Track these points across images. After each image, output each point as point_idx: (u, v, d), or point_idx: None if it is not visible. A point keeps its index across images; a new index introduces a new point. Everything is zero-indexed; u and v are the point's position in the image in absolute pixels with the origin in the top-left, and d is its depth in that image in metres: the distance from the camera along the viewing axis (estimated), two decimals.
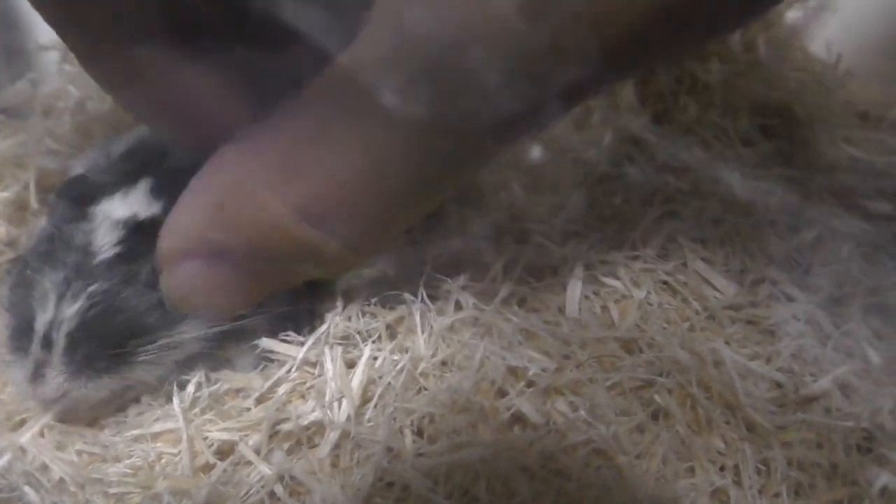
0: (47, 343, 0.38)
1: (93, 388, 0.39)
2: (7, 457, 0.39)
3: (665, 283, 0.44)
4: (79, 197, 0.42)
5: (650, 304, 0.42)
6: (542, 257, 0.45)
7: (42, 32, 0.59)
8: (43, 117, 0.53)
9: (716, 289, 0.44)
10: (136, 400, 0.42)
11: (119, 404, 0.42)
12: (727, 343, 0.41)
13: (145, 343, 0.39)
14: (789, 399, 0.40)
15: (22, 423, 0.42)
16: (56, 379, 0.38)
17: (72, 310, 0.38)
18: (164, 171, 0.43)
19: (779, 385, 0.40)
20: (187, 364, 0.41)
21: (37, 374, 0.38)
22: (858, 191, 0.53)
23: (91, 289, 0.39)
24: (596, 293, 0.43)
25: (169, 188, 0.41)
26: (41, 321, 0.39)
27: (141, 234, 0.40)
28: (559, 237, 0.47)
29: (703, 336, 0.41)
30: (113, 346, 0.39)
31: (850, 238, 0.48)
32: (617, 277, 0.44)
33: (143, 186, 0.42)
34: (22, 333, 0.39)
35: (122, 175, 0.43)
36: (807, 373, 0.41)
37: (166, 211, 0.40)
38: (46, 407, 0.41)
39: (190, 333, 0.40)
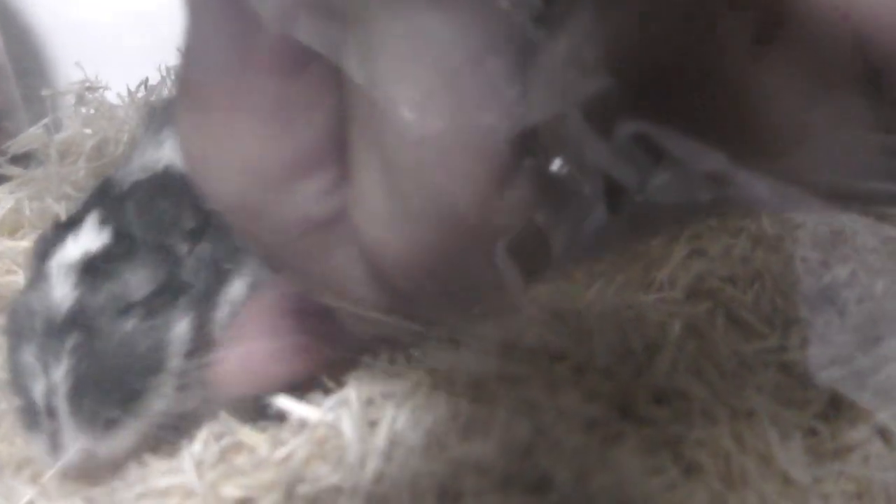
0: (52, 413, 0.37)
1: (115, 438, 0.38)
2: None
3: (694, 326, 0.43)
4: (40, 261, 0.41)
5: (680, 350, 0.41)
6: (566, 301, 0.44)
7: (57, 78, 0.60)
8: (59, 163, 0.52)
9: (747, 332, 0.43)
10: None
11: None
12: (759, 390, 0.40)
13: (152, 375, 0.38)
14: (826, 448, 0.38)
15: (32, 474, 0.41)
16: (73, 443, 0.37)
17: (60, 372, 0.37)
18: (110, 199, 0.42)
19: (814, 432, 0.39)
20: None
21: (55, 446, 0.37)
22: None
23: (69, 344, 0.37)
24: (623, 339, 0.42)
25: (114, 213, 0.40)
26: (37, 394, 0.37)
27: (97, 268, 0.39)
28: (584, 278, 0.45)
29: (735, 383, 0.40)
30: (120, 391, 0.37)
31: (884, 273, 0.46)
32: (645, 322, 0.43)
33: (91, 221, 0.40)
34: (28, 413, 0.38)
35: (76, 219, 0.41)
36: (843, 419, 0.40)
37: (115, 235, 0.39)
38: (78, 474, 0.39)
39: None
